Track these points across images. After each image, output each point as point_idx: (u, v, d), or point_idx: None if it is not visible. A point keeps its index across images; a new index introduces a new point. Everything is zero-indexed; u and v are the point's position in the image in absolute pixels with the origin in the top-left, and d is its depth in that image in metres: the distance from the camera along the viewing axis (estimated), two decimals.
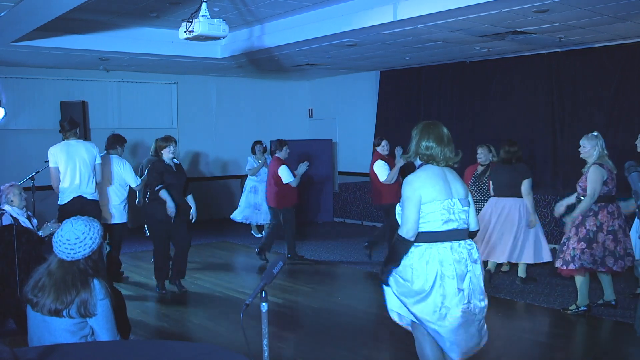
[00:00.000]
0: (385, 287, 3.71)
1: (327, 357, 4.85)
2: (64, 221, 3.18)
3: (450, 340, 3.46)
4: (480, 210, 6.93)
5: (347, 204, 11.91)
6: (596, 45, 8.84)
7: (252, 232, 10.50)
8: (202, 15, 5.94)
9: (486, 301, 3.55)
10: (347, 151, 13.06)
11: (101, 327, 3.05)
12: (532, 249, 6.59)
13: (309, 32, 8.11)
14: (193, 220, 6.91)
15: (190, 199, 6.91)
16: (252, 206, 10.32)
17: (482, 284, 3.55)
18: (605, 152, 5.58)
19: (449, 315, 3.41)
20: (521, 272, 6.87)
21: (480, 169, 7.44)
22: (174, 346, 3.15)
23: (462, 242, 3.49)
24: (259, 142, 10.41)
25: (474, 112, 10.67)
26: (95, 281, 3.07)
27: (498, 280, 7.05)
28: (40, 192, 9.35)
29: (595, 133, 5.64)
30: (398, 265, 3.54)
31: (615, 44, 8.66)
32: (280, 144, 8.26)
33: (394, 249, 3.53)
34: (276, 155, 8.22)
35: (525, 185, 6.57)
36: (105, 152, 7.33)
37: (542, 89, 9.72)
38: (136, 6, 7.49)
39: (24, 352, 2.65)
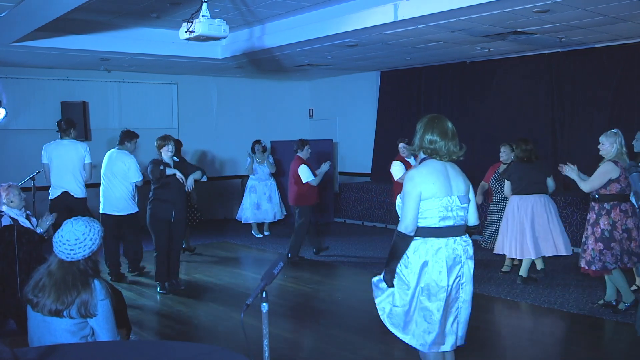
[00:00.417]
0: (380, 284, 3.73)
1: (328, 357, 4.85)
2: (65, 221, 3.18)
3: (428, 332, 3.51)
4: (502, 207, 7.22)
5: (348, 204, 11.90)
6: (596, 45, 8.84)
7: (253, 232, 10.50)
8: (203, 16, 5.94)
9: (470, 298, 3.62)
10: (347, 151, 13.07)
11: (101, 327, 3.05)
12: (562, 240, 6.74)
13: (310, 33, 8.11)
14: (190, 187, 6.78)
15: (196, 174, 6.80)
16: (251, 206, 10.34)
17: (471, 285, 3.60)
18: (624, 150, 5.53)
19: (430, 308, 3.49)
20: (523, 272, 6.88)
21: (502, 167, 7.54)
22: (174, 346, 3.15)
23: (457, 238, 3.53)
24: (258, 141, 10.44)
25: (475, 112, 10.68)
26: (96, 282, 3.07)
27: (499, 280, 7.05)
28: (40, 192, 9.34)
29: (615, 130, 5.60)
30: (399, 261, 3.56)
31: (615, 44, 8.66)
32: (302, 143, 8.40)
33: (395, 246, 3.54)
34: (297, 154, 8.37)
35: (550, 182, 6.83)
36: (117, 147, 7.51)
37: (543, 89, 9.72)
38: (137, 6, 7.49)
39: (24, 353, 2.65)
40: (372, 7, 7.21)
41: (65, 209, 6.71)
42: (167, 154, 6.68)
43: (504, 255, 7.31)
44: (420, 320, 3.55)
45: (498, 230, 7.30)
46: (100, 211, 7.44)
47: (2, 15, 6.74)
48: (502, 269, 7.43)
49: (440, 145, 3.53)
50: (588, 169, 8.90)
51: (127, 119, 11.23)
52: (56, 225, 3.54)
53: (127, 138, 7.49)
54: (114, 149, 7.50)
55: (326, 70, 11.79)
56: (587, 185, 5.49)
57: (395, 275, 3.61)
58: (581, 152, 9.24)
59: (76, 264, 3.07)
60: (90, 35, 8.48)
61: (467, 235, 3.63)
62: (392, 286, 3.61)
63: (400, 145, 7.93)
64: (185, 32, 6.05)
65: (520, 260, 7.02)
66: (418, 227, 3.50)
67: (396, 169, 7.86)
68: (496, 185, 7.55)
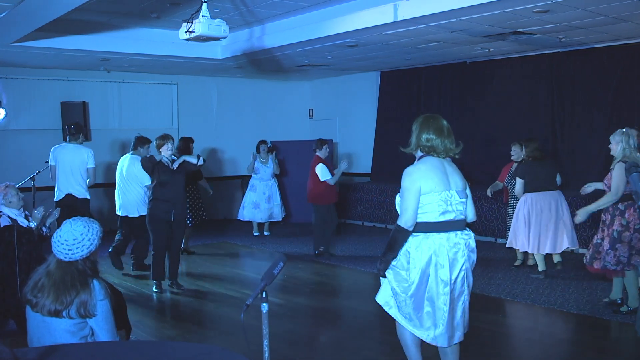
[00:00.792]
0: (382, 280, 3.79)
1: (328, 357, 4.85)
2: (64, 222, 3.18)
3: (436, 326, 3.57)
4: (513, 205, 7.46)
5: (348, 204, 11.90)
6: (596, 45, 8.84)
7: (253, 231, 10.50)
8: (203, 16, 5.94)
9: (468, 292, 3.70)
10: (347, 152, 13.06)
11: (101, 327, 3.05)
12: (572, 235, 6.94)
13: (310, 33, 8.11)
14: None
15: (189, 157, 6.85)
16: (250, 204, 10.35)
17: (471, 278, 3.68)
18: (635, 149, 5.41)
19: (436, 303, 3.55)
20: (542, 266, 7.07)
21: (515, 166, 7.68)
22: (174, 346, 3.15)
23: (458, 232, 3.61)
24: (263, 141, 10.45)
25: (475, 112, 10.68)
26: (95, 282, 3.07)
27: (499, 280, 7.05)
28: (40, 193, 9.35)
29: (624, 129, 5.49)
30: (396, 255, 3.62)
31: (616, 44, 8.66)
32: (320, 143, 8.50)
33: (393, 238, 3.61)
34: (316, 153, 8.46)
35: (558, 178, 7.07)
36: (131, 152, 7.94)
37: (543, 89, 9.72)
38: (137, 7, 7.49)
39: (24, 353, 2.64)
40: (372, 7, 7.21)
41: (69, 210, 6.91)
42: (166, 152, 6.67)
43: (504, 254, 7.35)
44: (427, 316, 3.60)
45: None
46: (119, 214, 7.87)
47: (2, 15, 6.74)
48: (515, 264, 7.72)
49: (437, 143, 3.63)
50: (588, 169, 8.96)
51: (127, 119, 11.23)
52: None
53: (140, 143, 7.87)
54: (128, 154, 7.97)
55: (326, 70, 11.79)
56: (611, 197, 5.40)
57: (395, 270, 3.65)
58: (581, 152, 9.25)
59: (75, 264, 3.07)
60: (90, 35, 8.48)
61: (468, 229, 3.69)
62: (385, 277, 3.70)
63: None
64: (185, 32, 6.05)
65: (527, 255, 7.24)
66: (419, 223, 3.55)
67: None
68: (511, 184, 7.69)
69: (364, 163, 12.66)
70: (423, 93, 11.52)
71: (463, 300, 3.67)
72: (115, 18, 8.10)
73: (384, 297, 3.81)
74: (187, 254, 8.87)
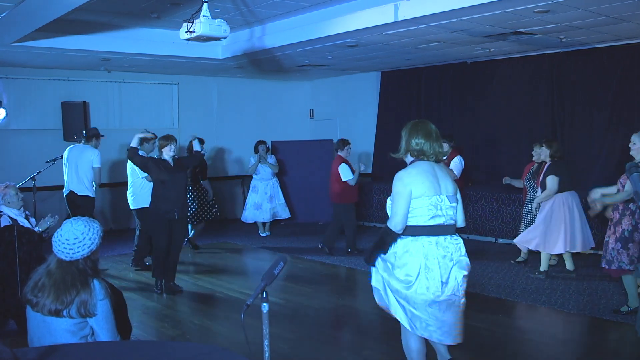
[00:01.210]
0: (372, 268, 3.88)
1: (328, 357, 4.85)
2: (64, 221, 3.18)
3: (435, 323, 3.61)
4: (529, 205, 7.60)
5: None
6: (597, 45, 8.83)
7: (259, 231, 10.48)
8: (203, 16, 5.93)
9: (463, 296, 3.72)
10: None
11: (101, 327, 3.05)
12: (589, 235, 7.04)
13: (310, 33, 8.10)
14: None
15: (196, 144, 7.24)
16: (252, 205, 10.35)
17: (464, 282, 3.70)
18: None
19: (432, 304, 3.58)
20: (570, 265, 7.19)
21: (535, 166, 7.76)
22: (174, 347, 3.15)
23: (447, 237, 3.66)
24: (262, 142, 10.45)
25: (475, 113, 10.67)
26: (95, 281, 3.07)
27: (499, 280, 7.05)
28: (41, 193, 9.34)
29: None
30: (386, 252, 3.73)
31: (616, 44, 8.65)
32: (342, 143, 8.65)
33: (382, 239, 3.72)
34: (338, 153, 8.60)
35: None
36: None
37: (543, 89, 9.72)
38: (137, 7, 7.49)
39: (24, 353, 2.65)
40: (372, 7, 7.20)
41: (72, 206, 7.67)
42: (168, 153, 6.65)
43: (504, 254, 7.35)
44: (423, 316, 3.63)
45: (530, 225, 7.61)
46: (133, 207, 7.99)
47: (2, 15, 6.75)
48: (517, 259, 7.87)
49: (427, 147, 3.73)
50: (589, 169, 8.95)
51: (127, 119, 11.23)
52: None
53: (145, 140, 7.91)
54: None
55: (326, 70, 11.79)
56: (625, 195, 5.35)
57: (390, 268, 3.72)
58: (581, 152, 9.24)
59: (75, 264, 3.07)
60: (90, 35, 8.48)
61: (457, 234, 3.74)
62: (374, 265, 3.80)
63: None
64: (186, 32, 6.05)
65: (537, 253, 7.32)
66: (408, 226, 3.63)
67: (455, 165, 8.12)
68: (529, 184, 7.74)
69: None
70: (423, 93, 11.51)
71: (458, 305, 3.67)
72: (115, 18, 8.10)
73: (394, 310, 3.78)
74: (194, 250, 9.13)
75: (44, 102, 10.39)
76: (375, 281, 3.86)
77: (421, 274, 3.57)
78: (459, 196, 3.79)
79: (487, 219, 9.47)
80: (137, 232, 8.03)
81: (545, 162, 7.34)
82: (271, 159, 10.49)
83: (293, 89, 13.70)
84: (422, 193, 3.59)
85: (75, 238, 3.07)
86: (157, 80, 11.61)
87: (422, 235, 3.60)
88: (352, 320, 5.95)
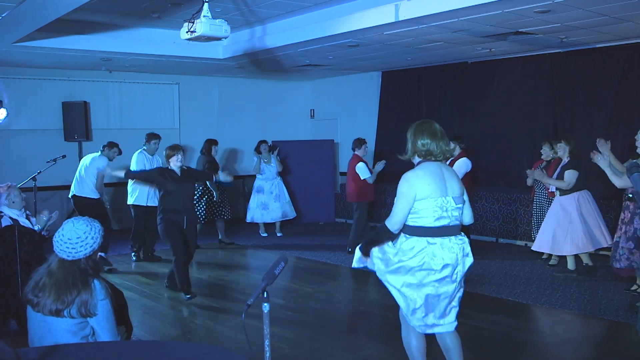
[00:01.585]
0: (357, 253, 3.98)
1: (329, 357, 4.85)
2: (65, 221, 3.19)
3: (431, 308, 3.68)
4: (544, 202, 7.69)
5: (348, 204, 11.88)
6: (597, 45, 8.83)
7: (260, 231, 10.49)
8: (204, 16, 5.93)
9: (461, 288, 3.79)
10: (348, 152, 13.02)
11: (102, 327, 3.05)
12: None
13: (311, 33, 8.10)
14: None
15: (221, 176, 7.33)
16: (258, 206, 10.33)
17: (463, 278, 3.76)
18: None
19: (433, 299, 3.66)
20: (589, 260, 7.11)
21: (544, 164, 7.81)
22: (174, 346, 3.15)
23: (452, 237, 3.67)
24: (264, 141, 10.45)
25: (476, 112, 10.67)
26: (96, 282, 3.07)
27: (499, 280, 7.05)
28: (41, 193, 9.36)
29: None
30: (375, 247, 3.82)
31: (616, 44, 8.65)
32: (359, 142, 8.74)
33: (378, 237, 3.79)
34: (355, 152, 8.70)
35: None
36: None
37: (543, 89, 9.72)
38: (138, 7, 7.49)
39: (25, 353, 2.65)
40: (373, 8, 7.21)
41: (75, 206, 8.19)
42: (176, 163, 6.50)
43: (504, 255, 7.34)
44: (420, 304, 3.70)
45: (540, 224, 7.65)
46: (131, 203, 8.46)
47: (3, 15, 6.74)
48: (550, 262, 7.75)
49: (433, 146, 3.72)
50: (588, 169, 8.93)
51: (128, 119, 11.24)
52: None
53: (148, 139, 8.60)
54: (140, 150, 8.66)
55: (327, 70, 11.79)
56: (621, 182, 5.36)
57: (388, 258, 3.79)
58: (581, 152, 9.23)
59: (77, 263, 3.07)
60: (91, 35, 8.49)
61: (462, 234, 3.77)
62: (368, 254, 3.86)
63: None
64: (187, 32, 6.05)
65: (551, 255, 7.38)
66: (414, 227, 3.66)
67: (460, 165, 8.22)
68: (538, 183, 7.79)
69: None
70: (424, 93, 11.51)
71: (457, 297, 3.77)
72: (116, 18, 8.11)
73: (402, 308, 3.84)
74: (224, 245, 9.68)
75: (45, 102, 10.40)
76: (370, 264, 3.94)
77: (424, 272, 3.63)
78: (465, 197, 3.79)
79: (488, 219, 9.47)
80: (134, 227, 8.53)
81: (555, 160, 7.44)
82: (274, 159, 10.48)
83: (294, 89, 13.70)
84: (429, 194, 3.60)
85: (77, 237, 3.07)
86: (157, 80, 11.62)
87: (427, 237, 3.62)
88: (353, 320, 5.95)
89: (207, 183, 9.31)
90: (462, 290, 3.78)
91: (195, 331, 5.65)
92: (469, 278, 7.15)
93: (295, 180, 11.62)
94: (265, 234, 10.40)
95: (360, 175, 8.46)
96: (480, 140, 10.47)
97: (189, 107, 12.14)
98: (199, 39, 6.13)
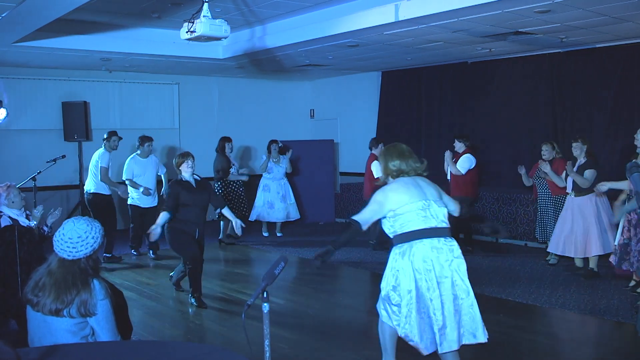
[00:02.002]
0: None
1: (329, 357, 4.85)
2: (66, 220, 3.19)
3: (438, 330, 3.68)
4: (547, 201, 7.73)
5: (349, 204, 11.90)
6: (597, 45, 8.83)
7: (262, 231, 10.48)
8: (204, 16, 5.93)
9: (471, 295, 3.81)
10: (348, 152, 13.06)
11: (102, 327, 3.05)
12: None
13: (311, 33, 8.10)
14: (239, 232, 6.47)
15: (227, 212, 6.57)
16: (265, 204, 10.33)
17: (466, 283, 3.80)
18: None
19: (432, 306, 3.68)
20: (595, 265, 7.06)
21: (543, 164, 7.73)
22: (174, 346, 3.15)
23: (441, 239, 3.76)
24: (274, 141, 10.46)
25: (475, 112, 10.67)
26: (95, 281, 3.07)
27: (500, 280, 7.05)
28: (41, 193, 9.36)
29: None
30: (338, 248, 3.86)
31: (616, 44, 8.65)
32: (376, 141, 9.04)
33: (351, 236, 3.86)
34: (372, 152, 8.95)
35: None
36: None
37: (543, 89, 9.71)
38: (138, 7, 7.49)
39: (26, 353, 2.65)
40: (373, 8, 7.21)
41: (88, 203, 8.42)
42: (187, 171, 6.25)
43: (504, 254, 7.34)
44: (422, 321, 3.70)
45: (546, 223, 7.71)
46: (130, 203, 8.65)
47: (3, 15, 6.74)
48: (549, 260, 7.77)
49: (403, 165, 3.96)
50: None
51: (128, 119, 11.23)
52: None
53: (141, 142, 8.72)
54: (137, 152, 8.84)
55: (327, 70, 11.79)
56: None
57: (392, 285, 3.83)
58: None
59: (77, 263, 3.07)
60: (91, 35, 8.49)
61: (451, 237, 3.85)
62: (319, 260, 3.77)
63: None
64: (187, 32, 6.05)
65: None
66: (403, 234, 3.78)
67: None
68: (539, 182, 7.82)
69: (365, 163, 12.64)
70: (424, 93, 11.51)
71: (459, 305, 3.76)
72: (116, 18, 8.11)
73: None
74: (226, 243, 9.77)
75: (45, 102, 10.39)
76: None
77: (422, 277, 3.69)
78: (445, 198, 3.99)
79: (488, 219, 9.47)
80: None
81: (555, 160, 7.50)
82: (284, 159, 10.49)
83: (294, 89, 13.70)
84: (407, 200, 3.77)
85: (78, 237, 3.08)
86: (157, 80, 11.62)
87: (416, 240, 3.73)
88: (353, 320, 5.95)
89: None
90: (468, 301, 3.79)
91: (195, 331, 5.65)
92: (469, 278, 7.17)
93: (295, 180, 11.61)
94: (266, 234, 10.40)
95: (374, 173, 8.57)
96: (480, 140, 10.47)
97: (189, 107, 12.14)
98: (199, 39, 6.13)
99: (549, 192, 7.69)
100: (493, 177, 10.30)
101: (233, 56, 9.60)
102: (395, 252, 3.84)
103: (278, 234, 10.44)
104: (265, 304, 2.73)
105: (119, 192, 8.37)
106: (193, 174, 6.35)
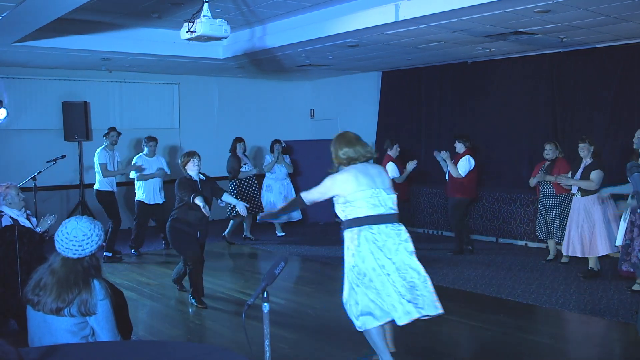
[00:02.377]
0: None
1: (329, 357, 4.86)
2: (67, 220, 3.19)
3: (395, 301, 3.94)
4: (549, 201, 7.78)
5: None
6: (597, 45, 8.83)
7: (277, 231, 10.46)
8: (204, 16, 5.93)
9: (424, 274, 4.03)
10: None
11: (102, 327, 3.06)
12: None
13: (311, 33, 8.10)
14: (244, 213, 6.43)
15: (227, 197, 6.53)
16: (268, 205, 10.33)
17: (415, 263, 4.03)
18: None
19: (390, 279, 3.95)
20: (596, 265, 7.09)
21: (547, 164, 7.83)
22: (175, 346, 3.15)
23: (389, 224, 4.05)
24: (277, 141, 10.49)
25: (475, 112, 10.67)
26: (95, 281, 3.07)
27: (500, 280, 7.05)
28: (42, 193, 9.36)
29: None
30: (278, 213, 4.63)
31: (616, 44, 8.65)
32: (391, 142, 9.02)
33: (291, 204, 4.60)
34: (387, 153, 8.95)
35: None
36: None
37: (543, 89, 9.71)
38: (138, 6, 7.49)
39: (26, 352, 2.65)
40: (373, 7, 7.20)
41: (97, 199, 8.74)
42: (193, 169, 6.23)
43: (504, 255, 7.34)
44: (371, 299, 4.02)
45: (549, 222, 7.73)
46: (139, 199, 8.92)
47: (3, 15, 6.74)
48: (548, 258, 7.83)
49: (351, 152, 4.20)
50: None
51: (128, 119, 11.23)
52: None
53: (145, 141, 9.13)
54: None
55: (327, 70, 11.79)
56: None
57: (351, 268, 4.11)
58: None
59: (81, 262, 3.08)
60: (91, 35, 8.48)
61: (399, 223, 4.14)
62: (275, 217, 4.54)
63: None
64: (187, 32, 6.05)
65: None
66: (353, 219, 4.06)
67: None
68: (541, 182, 7.83)
69: None
70: (424, 93, 11.51)
71: (414, 283, 3.97)
72: (116, 18, 8.11)
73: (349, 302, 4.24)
74: (249, 240, 9.89)
75: (45, 102, 10.39)
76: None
77: (374, 257, 3.98)
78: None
79: (488, 219, 9.48)
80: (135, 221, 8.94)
81: (557, 160, 7.54)
82: (286, 159, 10.51)
83: (294, 89, 13.70)
84: (358, 188, 4.02)
85: (83, 235, 3.08)
86: (157, 80, 11.61)
87: (365, 225, 4.00)
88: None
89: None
90: (421, 278, 4.00)
91: (195, 331, 5.65)
92: (469, 277, 7.20)
93: (295, 180, 11.61)
94: (282, 233, 10.36)
95: (389, 174, 8.55)
96: (480, 140, 10.46)
97: (189, 107, 12.14)
98: (199, 39, 6.13)
99: (552, 190, 7.70)
100: (493, 177, 10.29)
101: (233, 56, 9.60)
102: (347, 236, 4.11)
103: (279, 234, 10.44)
104: (266, 304, 2.74)
105: (130, 170, 8.84)
106: (199, 172, 6.35)
